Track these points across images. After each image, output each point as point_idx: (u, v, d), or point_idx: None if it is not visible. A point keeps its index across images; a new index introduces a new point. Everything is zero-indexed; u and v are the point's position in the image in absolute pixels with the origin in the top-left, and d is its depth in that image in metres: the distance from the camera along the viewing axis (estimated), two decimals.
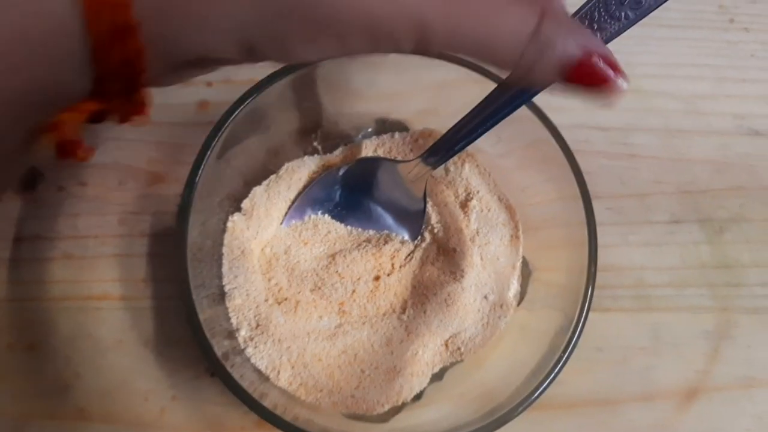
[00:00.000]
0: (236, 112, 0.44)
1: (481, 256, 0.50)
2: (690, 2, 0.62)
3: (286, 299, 0.48)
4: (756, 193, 0.57)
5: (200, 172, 0.43)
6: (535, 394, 0.42)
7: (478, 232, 0.50)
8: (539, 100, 0.46)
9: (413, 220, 0.50)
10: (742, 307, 0.54)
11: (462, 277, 0.49)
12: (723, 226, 0.56)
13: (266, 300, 0.47)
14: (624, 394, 0.51)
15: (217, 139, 0.44)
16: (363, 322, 0.48)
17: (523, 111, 0.46)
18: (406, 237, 0.50)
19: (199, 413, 0.49)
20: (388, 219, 0.51)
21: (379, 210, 0.51)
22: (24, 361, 0.48)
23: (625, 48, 0.59)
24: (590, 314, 0.44)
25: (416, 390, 0.47)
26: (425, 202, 0.49)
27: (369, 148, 0.52)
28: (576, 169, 0.45)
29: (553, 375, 0.42)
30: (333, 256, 0.49)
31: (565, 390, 0.51)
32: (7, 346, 0.49)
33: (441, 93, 0.50)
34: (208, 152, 0.44)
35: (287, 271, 0.48)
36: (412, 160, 0.47)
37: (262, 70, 0.45)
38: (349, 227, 0.50)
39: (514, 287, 0.50)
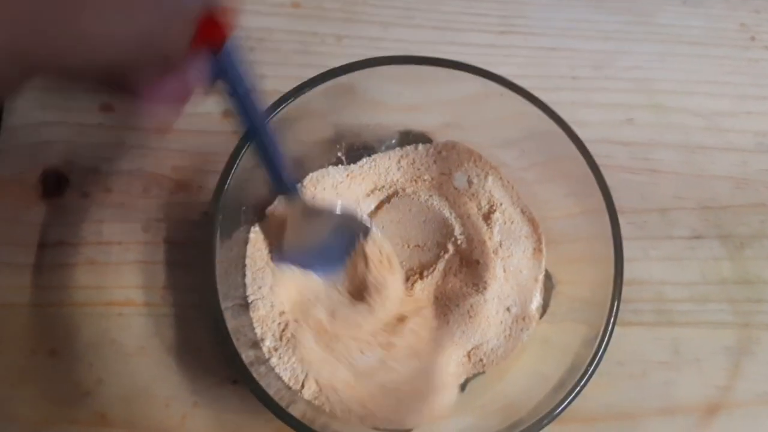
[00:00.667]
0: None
1: (504, 268, 0.50)
2: (712, 20, 0.63)
3: (325, 332, 0.48)
4: None
5: (228, 181, 0.44)
6: (560, 408, 0.42)
7: (501, 245, 0.50)
8: (564, 114, 0.46)
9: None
10: (763, 323, 0.54)
11: (485, 289, 0.49)
12: (744, 242, 0.56)
13: (296, 320, 0.47)
14: (644, 409, 0.51)
15: (245, 149, 0.44)
16: (408, 354, 0.48)
17: (548, 125, 0.46)
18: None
19: (220, 421, 0.49)
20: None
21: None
22: (46, 366, 0.49)
23: (646, 64, 0.61)
24: None
25: (447, 403, 0.47)
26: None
27: (392, 159, 0.52)
28: (602, 183, 0.45)
29: (578, 389, 0.42)
30: None
31: (585, 404, 0.50)
32: (30, 351, 0.49)
33: (464, 106, 0.51)
34: (237, 162, 0.44)
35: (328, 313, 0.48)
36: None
37: (285, 81, 0.46)
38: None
39: (537, 300, 0.50)
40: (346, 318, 0.47)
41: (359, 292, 0.48)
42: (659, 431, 0.51)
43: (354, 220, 0.49)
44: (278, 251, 0.48)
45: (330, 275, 0.49)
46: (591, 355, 0.43)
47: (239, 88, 0.38)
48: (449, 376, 0.47)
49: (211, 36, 0.34)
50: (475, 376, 0.49)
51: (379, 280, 0.47)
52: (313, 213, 0.47)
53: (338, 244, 0.49)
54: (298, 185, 0.47)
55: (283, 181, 0.44)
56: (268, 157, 0.43)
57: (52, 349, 0.49)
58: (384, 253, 0.48)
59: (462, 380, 0.49)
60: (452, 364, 0.48)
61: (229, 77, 0.38)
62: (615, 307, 0.44)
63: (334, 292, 0.49)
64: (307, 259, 0.49)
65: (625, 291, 0.50)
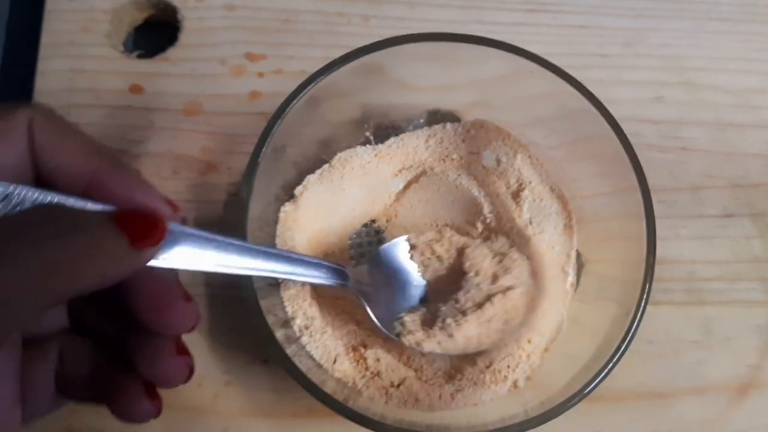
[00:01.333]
0: (293, 103, 0.45)
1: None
2: None
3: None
4: None
5: (259, 162, 0.44)
6: (590, 387, 0.42)
7: (531, 221, 0.50)
8: (593, 92, 0.46)
9: None
10: None
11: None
12: None
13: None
14: (675, 388, 0.51)
15: (274, 130, 0.44)
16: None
17: (579, 103, 0.46)
18: None
19: (252, 399, 0.49)
20: None
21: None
22: None
23: (676, 41, 0.60)
24: None
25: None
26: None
27: (420, 138, 0.52)
28: (635, 160, 0.45)
29: (609, 367, 0.42)
30: None
31: (615, 383, 0.50)
32: None
33: (493, 85, 0.50)
34: (267, 143, 0.44)
35: None
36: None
37: (312, 62, 0.46)
38: None
39: (570, 276, 0.50)
40: None
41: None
42: (690, 410, 0.51)
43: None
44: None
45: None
46: (622, 335, 0.42)
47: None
48: None
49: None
50: None
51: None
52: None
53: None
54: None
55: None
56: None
57: None
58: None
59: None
60: None
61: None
62: (647, 286, 0.43)
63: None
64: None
65: (656, 270, 0.50)
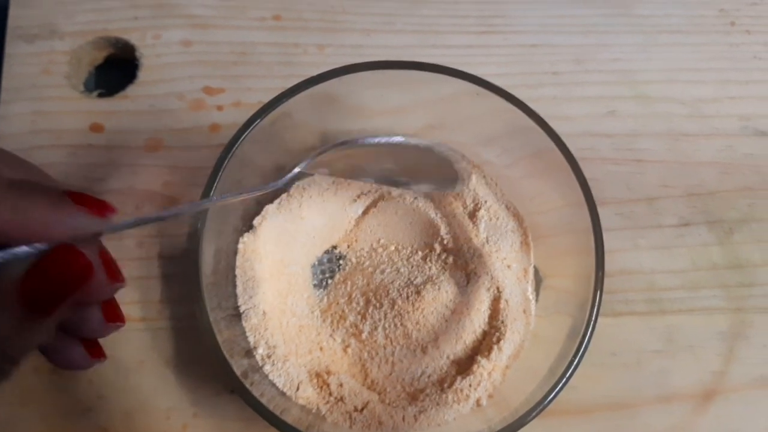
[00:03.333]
0: (245, 134, 0.46)
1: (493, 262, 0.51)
2: (691, 7, 0.63)
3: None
4: (764, 193, 0.57)
5: (212, 193, 0.44)
6: (547, 400, 0.43)
7: (488, 240, 0.51)
8: (542, 110, 0.47)
9: None
10: (755, 306, 0.54)
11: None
12: (733, 227, 0.56)
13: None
14: (640, 398, 0.52)
15: (227, 161, 0.45)
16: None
17: (526, 121, 0.47)
18: None
19: (221, 429, 0.49)
20: None
21: None
22: (49, 384, 0.50)
23: (627, 55, 0.61)
24: (603, 319, 0.44)
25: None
26: None
27: None
28: (580, 176, 0.46)
29: (564, 380, 0.43)
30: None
31: (580, 395, 0.51)
32: (32, 369, 0.50)
33: (446, 107, 0.51)
34: (219, 174, 0.45)
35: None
36: None
37: (270, 93, 0.47)
38: None
39: (530, 291, 0.50)
40: None
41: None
42: (656, 420, 0.51)
43: None
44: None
45: None
46: (575, 347, 0.43)
47: None
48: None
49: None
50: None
51: None
52: None
53: None
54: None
55: None
56: None
57: (53, 367, 0.50)
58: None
59: None
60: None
61: None
62: (597, 298, 0.44)
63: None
64: None
65: (616, 281, 0.51)
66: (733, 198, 0.57)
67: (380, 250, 0.52)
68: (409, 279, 0.50)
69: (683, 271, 0.55)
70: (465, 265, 0.51)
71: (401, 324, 0.49)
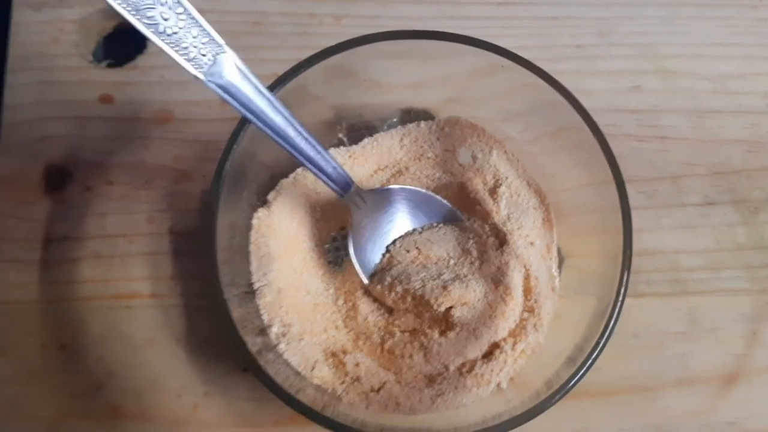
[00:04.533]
0: None
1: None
2: None
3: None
4: None
5: (226, 167, 0.43)
6: (572, 382, 0.41)
7: (509, 217, 0.49)
8: (568, 84, 0.45)
9: None
10: None
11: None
12: (758, 207, 0.55)
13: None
14: (661, 381, 0.51)
15: (242, 133, 0.44)
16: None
17: (552, 96, 0.45)
18: None
19: (233, 409, 0.49)
20: None
21: None
22: (57, 362, 0.49)
23: (651, 29, 0.59)
24: (625, 300, 0.43)
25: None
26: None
27: (395, 138, 0.52)
28: (608, 152, 0.44)
29: (590, 362, 0.42)
30: None
31: (601, 377, 0.50)
32: (40, 346, 0.49)
33: (465, 80, 0.50)
34: (234, 147, 0.43)
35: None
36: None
37: (285, 65, 0.45)
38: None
39: (553, 268, 0.49)
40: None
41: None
42: (677, 403, 0.50)
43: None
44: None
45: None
46: (601, 329, 0.42)
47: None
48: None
49: None
50: None
51: None
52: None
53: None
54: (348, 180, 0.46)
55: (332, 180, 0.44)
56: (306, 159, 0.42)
57: (62, 344, 0.49)
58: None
59: None
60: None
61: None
62: (625, 279, 0.43)
63: None
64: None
65: (638, 261, 0.50)
66: (759, 177, 0.56)
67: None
68: (438, 273, 0.48)
69: (707, 252, 0.54)
70: (495, 258, 0.49)
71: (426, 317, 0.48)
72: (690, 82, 0.58)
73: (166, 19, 0.35)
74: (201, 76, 0.37)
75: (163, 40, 0.35)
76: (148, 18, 0.34)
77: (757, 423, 0.50)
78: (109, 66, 0.56)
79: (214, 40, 0.37)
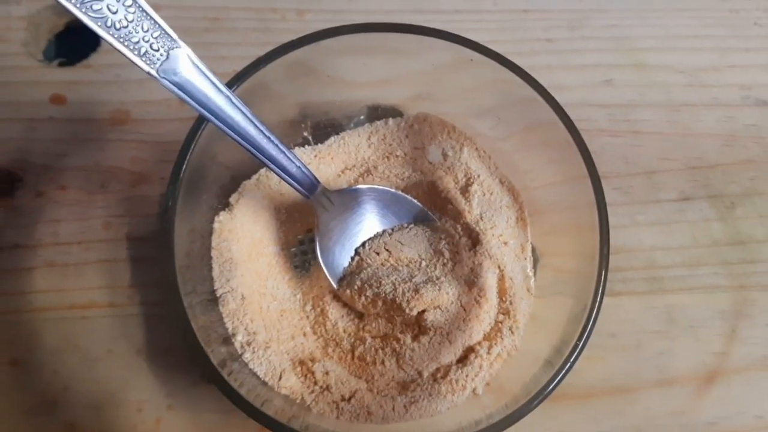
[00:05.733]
0: None
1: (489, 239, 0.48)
2: None
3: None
4: (767, 166, 0.55)
5: (183, 169, 0.41)
6: (551, 386, 0.40)
7: (482, 217, 0.48)
8: (540, 78, 0.44)
9: None
10: (758, 284, 0.52)
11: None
12: (734, 202, 0.54)
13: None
14: (640, 381, 0.49)
15: (200, 133, 0.41)
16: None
17: (525, 91, 0.44)
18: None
19: (198, 422, 0.46)
20: None
21: None
22: (8, 378, 0.46)
23: (624, 21, 0.58)
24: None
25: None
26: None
27: (362, 136, 0.50)
28: (583, 148, 0.43)
29: (568, 365, 0.40)
30: None
31: (578, 380, 0.48)
32: None
33: (434, 76, 0.48)
34: (191, 148, 0.41)
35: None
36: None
37: (246, 62, 0.43)
38: None
39: (528, 268, 0.48)
40: None
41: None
42: (657, 404, 0.49)
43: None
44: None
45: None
46: (580, 330, 0.40)
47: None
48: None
49: None
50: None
51: None
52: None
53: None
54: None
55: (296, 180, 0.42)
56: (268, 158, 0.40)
57: (14, 358, 0.47)
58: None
59: None
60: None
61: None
62: (603, 278, 0.41)
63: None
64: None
65: (614, 259, 0.48)
66: (734, 171, 0.55)
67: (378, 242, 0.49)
68: (409, 276, 0.47)
69: (684, 248, 0.53)
70: (468, 259, 0.47)
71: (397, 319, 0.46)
72: (664, 75, 0.57)
73: (114, 12, 0.32)
74: (153, 73, 0.34)
75: (111, 34, 0.33)
76: (95, 11, 0.32)
77: (738, 422, 0.49)
78: (61, 65, 0.53)
79: (166, 33, 0.34)
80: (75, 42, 0.54)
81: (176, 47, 0.35)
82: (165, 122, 0.52)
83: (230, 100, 0.37)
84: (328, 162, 0.49)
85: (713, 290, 0.52)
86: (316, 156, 0.49)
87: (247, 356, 0.43)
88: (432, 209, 0.49)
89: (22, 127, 0.51)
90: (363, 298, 0.45)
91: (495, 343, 0.45)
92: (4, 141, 0.50)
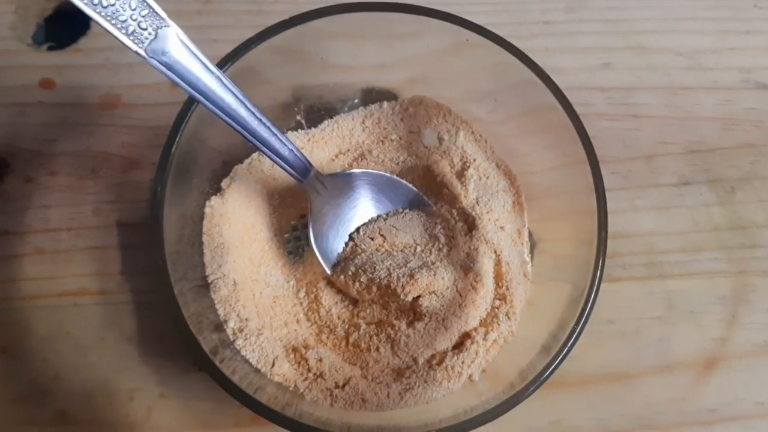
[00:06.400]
0: None
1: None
2: None
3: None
4: (767, 150, 0.54)
5: (173, 152, 0.40)
6: (547, 372, 0.39)
7: (477, 201, 0.47)
8: (537, 61, 0.43)
9: None
10: (758, 269, 0.51)
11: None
12: (734, 186, 0.53)
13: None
14: (639, 368, 0.49)
15: (188, 116, 0.41)
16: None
17: (523, 74, 0.43)
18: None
19: (190, 410, 0.46)
20: None
21: None
22: None
23: (622, 4, 0.57)
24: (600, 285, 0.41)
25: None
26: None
27: (356, 120, 0.49)
28: (582, 132, 0.42)
29: (565, 351, 0.39)
30: None
31: (576, 366, 0.48)
32: None
33: (431, 59, 0.47)
34: (180, 132, 0.41)
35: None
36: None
37: (236, 45, 0.42)
38: None
39: (525, 254, 0.47)
40: None
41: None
42: (657, 390, 0.48)
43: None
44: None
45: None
46: (577, 315, 0.40)
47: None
48: None
49: None
50: None
51: None
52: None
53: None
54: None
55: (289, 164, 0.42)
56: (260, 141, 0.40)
57: (3, 347, 0.46)
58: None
59: None
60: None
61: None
62: (600, 264, 0.40)
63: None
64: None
65: (613, 245, 0.48)
66: (734, 155, 0.54)
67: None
68: (404, 261, 0.46)
69: (683, 233, 0.52)
70: (464, 244, 0.47)
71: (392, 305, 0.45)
72: (663, 58, 0.56)
73: None
74: (142, 52, 0.34)
75: (98, 12, 0.32)
76: None
77: (738, 408, 0.49)
78: (50, 49, 0.52)
79: (155, 12, 0.34)
80: (64, 26, 0.53)
81: (165, 26, 0.34)
82: (156, 107, 0.51)
83: (221, 80, 0.36)
84: (321, 146, 0.48)
85: (713, 275, 0.51)
86: (309, 140, 0.48)
87: (239, 343, 0.42)
88: (427, 194, 0.48)
89: (10, 112, 0.50)
90: (357, 283, 0.44)
91: (491, 329, 0.44)
92: None
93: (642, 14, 0.57)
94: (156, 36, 0.34)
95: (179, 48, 0.34)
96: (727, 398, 0.49)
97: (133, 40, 0.33)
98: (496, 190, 0.47)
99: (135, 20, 0.33)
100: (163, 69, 0.34)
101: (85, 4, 0.31)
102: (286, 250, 0.48)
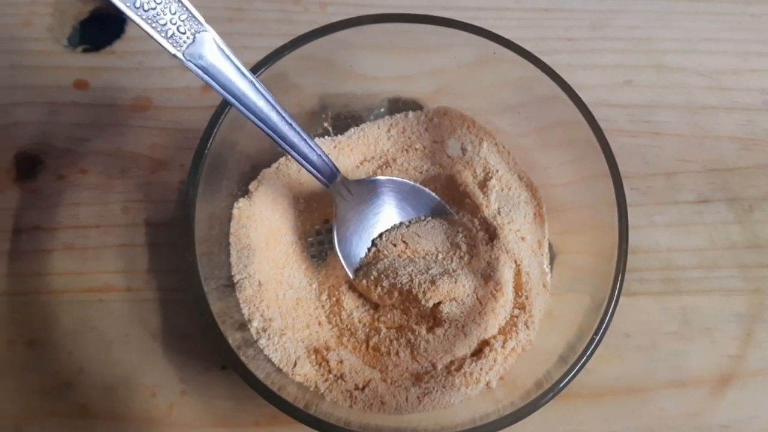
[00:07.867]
0: None
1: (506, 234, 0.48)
2: None
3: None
4: None
5: (205, 156, 0.41)
6: (563, 382, 0.40)
7: (499, 211, 0.48)
8: (564, 76, 0.44)
9: None
10: None
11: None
12: (753, 205, 0.54)
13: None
14: (654, 382, 0.49)
15: (221, 120, 0.42)
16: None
17: (549, 89, 0.44)
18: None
19: (211, 408, 0.46)
20: None
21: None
22: (25, 358, 0.46)
23: (645, 23, 0.58)
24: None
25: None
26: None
27: (382, 128, 0.50)
28: (605, 146, 0.43)
29: (582, 362, 0.40)
30: None
31: (591, 378, 0.48)
32: (7, 341, 0.47)
33: (457, 71, 0.48)
34: (213, 135, 0.42)
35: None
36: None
37: (267, 52, 0.43)
38: None
39: (545, 264, 0.48)
40: None
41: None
42: (670, 405, 0.49)
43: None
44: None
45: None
46: (595, 326, 0.40)
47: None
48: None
49: None
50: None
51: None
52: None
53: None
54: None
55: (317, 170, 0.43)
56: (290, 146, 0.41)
57: (30, 339, 0.47)
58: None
59: None
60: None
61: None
62: (620, 276, 0.41)
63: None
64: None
65: (631, 259, 0.48)
66: (753, 175, 0.54)
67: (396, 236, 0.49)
68: (426, 268, 0.47)
69: (701, 250, 0.52)
70: (485, 253, 0.48)
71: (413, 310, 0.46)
72: (684, 77, 0.57)
73: None
74: (179, 55, 0.35)
75: (139, 15, 0.33)
76: None
77: (751, 426, 0.49)
78: (85, 51, 0.53)
79: (193, 17, 0.35)
80: (99, 29, 0.55)
81: (203, 31, 0.35)
82: (186, 110, 0.52)
83: (254, 85, 0.37)
84: (347, 153, 0.49)
85: (729, 293, 0.52)
86: (335, 147, 0.49)
87: (262, 342, 0.43)
88: (450, 203, 0.49)
89: (45, 111, 0.51)
90: (379, 288, 0.45)
91: (510, 338, 0.45)
92: (27, 124, 0.51)
93: (664, 34, 0.58)
94: (194, 40, 0.35)
95: (215, 52, 0.35)
96: (740, 415, 0.49)
97: (171, 44, 0.34)
98: (517, 201, 0.48)
99: (174, 24, 0.34)
100: (200, 72, 0.35)
101: (127, 7, 0.32)
102: (310, 254, 0.49)
